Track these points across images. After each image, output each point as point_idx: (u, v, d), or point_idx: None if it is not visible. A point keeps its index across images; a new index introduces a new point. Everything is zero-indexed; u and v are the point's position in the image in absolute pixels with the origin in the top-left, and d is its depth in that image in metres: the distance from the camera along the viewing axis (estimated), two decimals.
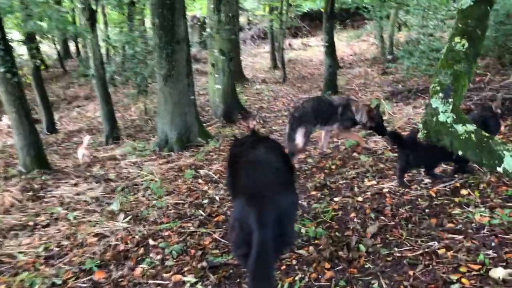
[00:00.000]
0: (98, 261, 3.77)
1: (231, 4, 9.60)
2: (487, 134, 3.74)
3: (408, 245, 3.36)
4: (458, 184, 4.38)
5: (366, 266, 3.16)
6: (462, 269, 2.90)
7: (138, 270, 3.57)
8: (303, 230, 3.74)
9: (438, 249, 3.21)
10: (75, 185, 6.36)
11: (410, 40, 15.60)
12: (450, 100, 4.02)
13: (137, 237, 4.08)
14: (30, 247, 4.27)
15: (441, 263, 3.03)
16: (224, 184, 5.49)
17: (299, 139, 5.53)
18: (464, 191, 4.19)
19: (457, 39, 4.29)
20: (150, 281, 3.40)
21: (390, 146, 5.81)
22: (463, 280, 2.80)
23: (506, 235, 3.24)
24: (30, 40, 10.33)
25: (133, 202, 5.24)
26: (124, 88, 15.00)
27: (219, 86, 9.53)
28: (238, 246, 2.74)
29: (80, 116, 13.67)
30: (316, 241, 3.60)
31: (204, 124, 8.78)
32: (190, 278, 3.34)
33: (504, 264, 2.90)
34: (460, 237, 3.36)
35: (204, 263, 3.49)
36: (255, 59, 21.48)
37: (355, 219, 3.93)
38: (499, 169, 3.46)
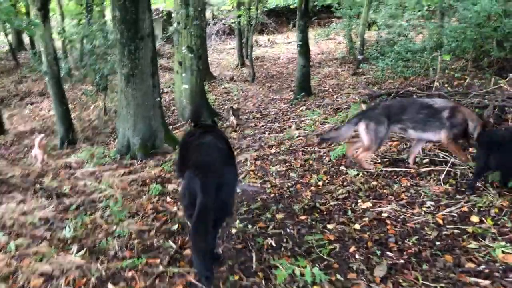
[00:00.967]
0: None
1: None
2: None
3: None
4: (465, 209, 3.87)
5: None
6: None
7: None
8: (297, 272, 3.10)
9: None
10: (22, 202, 5.50)
11: (380, 40, 15.38)
12: None
13: (93, 279, 3.32)
14: None
15: None
16: None
17: (365, 136, 4.93)
18: (474, 218, 3.68)
19: None
20: None
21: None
22: None
23: None
24: None
25: (89, 226, 4.46)
26: (82, 84, 13.97)
27: (186, 86, 8.78)
28: (187, 208, 3.19)
29: (33, 114, 12.57)
30: None
31: (169, 126, 8.03)
32: None
33: None
34: (486, 282, 2.83)
35: None
36: (221, 55, 20.76)
37: (356, 255, 3.33)
38: None
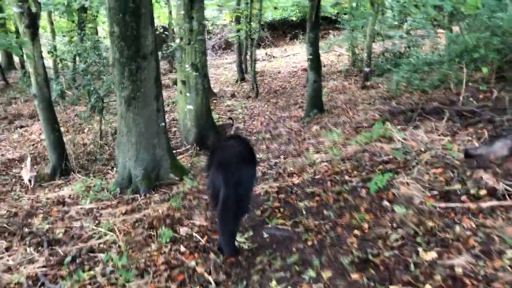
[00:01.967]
0: None
1: (202, 10, 8.11)
2: None
3: None
4: None
5: None
6: None
7: None
8: None
9: None
10: (7, 250, 4.67)
11: (388, 50, 14.73)
12: None
13: None
14: None
15: None
16: (213, 250, 4.03)
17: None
18: None
19: None
20: None
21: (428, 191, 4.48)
22: None
23: None
24: None
25: (88, 287, 3.65)
26: (76, 105, 13.18)
27: (191, 106, 8.00)
28: (213, 199, 3.83)
29: (22, 139, 11.70)
30: None
31: (174, 152, 7.23)
32: None
33: None
34: None
35: None
36: (218, 70, 20.09)
37: None
38: None
